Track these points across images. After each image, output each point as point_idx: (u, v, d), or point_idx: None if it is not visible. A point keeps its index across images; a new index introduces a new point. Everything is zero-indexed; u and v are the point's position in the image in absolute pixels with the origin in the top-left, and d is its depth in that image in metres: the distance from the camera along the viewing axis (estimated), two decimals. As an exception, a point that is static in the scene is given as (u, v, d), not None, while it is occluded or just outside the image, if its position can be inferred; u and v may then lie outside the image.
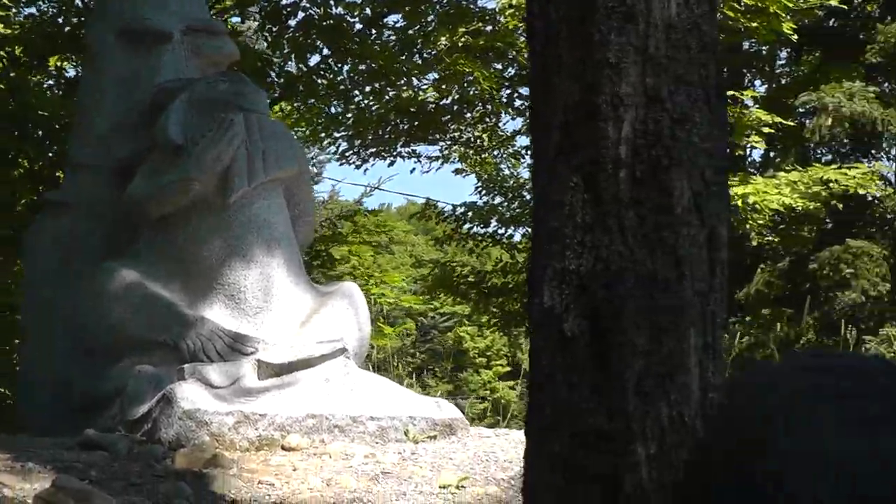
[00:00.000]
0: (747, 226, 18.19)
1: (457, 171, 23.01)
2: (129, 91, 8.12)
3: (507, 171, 23.39)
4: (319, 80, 15.94)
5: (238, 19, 17.06)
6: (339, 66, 16.29)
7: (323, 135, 20.02)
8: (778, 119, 17.64)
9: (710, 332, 3.63)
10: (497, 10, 17.79)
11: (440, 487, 5.62)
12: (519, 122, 22.26)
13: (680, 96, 3.61)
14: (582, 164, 3.59)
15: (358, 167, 21.53)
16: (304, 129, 19.79)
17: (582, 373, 3.56)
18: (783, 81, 23.24)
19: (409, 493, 5.60)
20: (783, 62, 23.48)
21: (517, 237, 23.89)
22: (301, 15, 15.72)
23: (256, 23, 17.12)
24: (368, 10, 15.85)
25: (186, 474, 5.58)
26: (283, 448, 6.31)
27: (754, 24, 16.98)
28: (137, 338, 7.07)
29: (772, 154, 22.67)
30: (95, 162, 8.03)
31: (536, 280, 3.72)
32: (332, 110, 18.04)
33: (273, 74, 15.57)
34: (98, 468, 5.55)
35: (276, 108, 18.17)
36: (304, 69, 15.97)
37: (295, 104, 18.02)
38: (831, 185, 17.60)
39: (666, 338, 3.52)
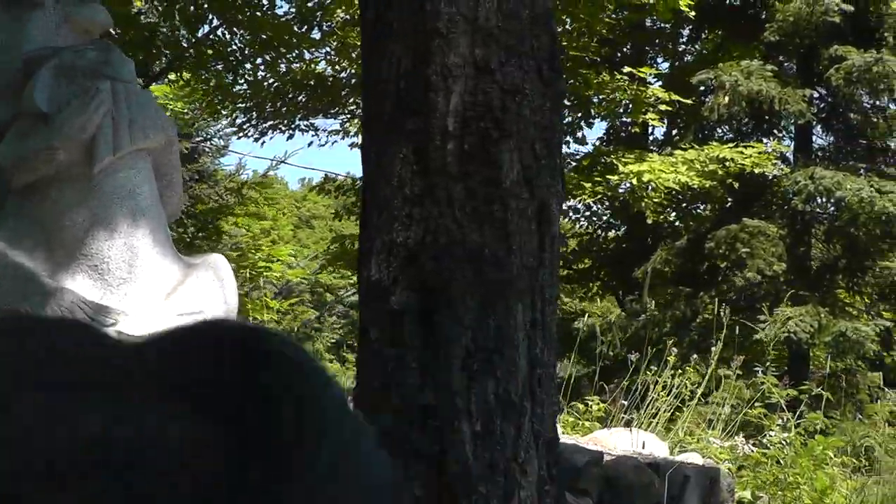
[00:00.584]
0: (643, 203, 18.31)
1: (353, 146, 22.94)
2: (2, 57, 7.96)
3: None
4: (207, 51, 15.75)
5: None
6: (230, 36, 16.13)
7: (220, 107, 19.87)
8: (676, 97, 17.76)
9: (539, 308, 3.61)
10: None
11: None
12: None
13: (511, 67, 3.58)
14: (413, 135, 3.55)
15: (256, 140, 21.43)
16: (199, 100, 19.65)
17: (409, 348, 3.52)
18: (687, 59, 23.39)
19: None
20: (685, 40, 23.61)
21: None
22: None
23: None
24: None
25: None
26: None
27: (652, 1, 17.09)
28: (1, 307, 6.94)
29: (674, 132, 22.84)
30: (-38, 128, 7.86)
31: (365, 252, 3.68)
32: (225, 82, 17.87)
33: (160, 44, 15.36)
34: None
35: (172, 78, 18.03)
36: (193, 40, 15.77)
37: (183, 76, 17.83)
38: (727, 163, 17.76)
39: (493, 313, 3.50)
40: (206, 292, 7.18)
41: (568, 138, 20.81)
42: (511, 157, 3.51)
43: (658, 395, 8.60)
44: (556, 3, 18.55)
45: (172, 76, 16.54)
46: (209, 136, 22.83)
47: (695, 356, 9.77)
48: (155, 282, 7.13)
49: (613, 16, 19.14)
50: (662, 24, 21.53)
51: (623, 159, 18.25)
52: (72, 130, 6.98)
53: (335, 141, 21.69)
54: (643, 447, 7.15)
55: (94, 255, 7.00)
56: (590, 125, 21.06)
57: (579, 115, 20.65)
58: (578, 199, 19.77)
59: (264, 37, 15.32)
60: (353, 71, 17.74)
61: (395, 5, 3.61)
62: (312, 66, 18.00)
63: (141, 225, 7.19)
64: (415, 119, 3.52)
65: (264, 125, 20.28)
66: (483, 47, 3.53)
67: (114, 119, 7.12)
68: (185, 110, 20.47)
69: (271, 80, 18.37)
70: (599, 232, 23.82)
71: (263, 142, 26.45)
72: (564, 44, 19.13)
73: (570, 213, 22.71)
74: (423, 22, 3.55)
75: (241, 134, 20.76)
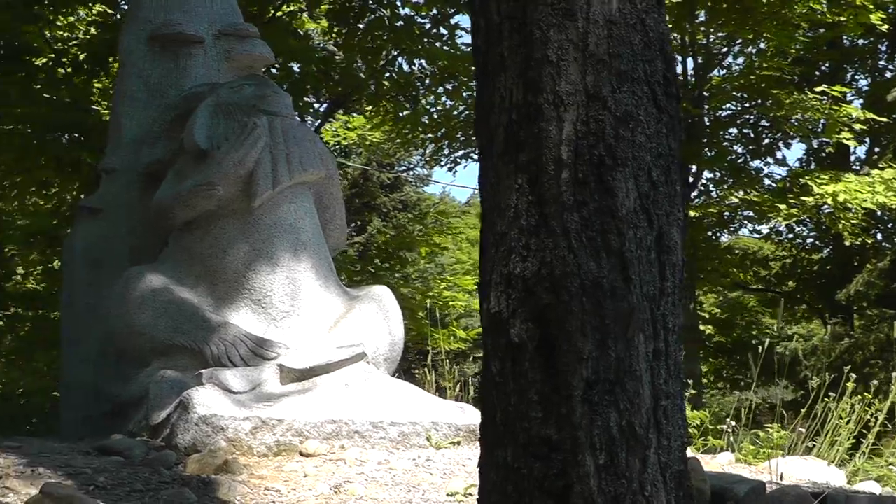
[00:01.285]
0: (840, 225, 17.89)
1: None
2: (159, 96, 8.18)
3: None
4: (383, 83, 15.92)
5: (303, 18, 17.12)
6: (410, 67, 16.32)
7: (411, 137, 20.05)
8: (871, 115, 17.30)
9: (662, 338, 3.56)
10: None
11: (447, 495, 5.58)
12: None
13: (623, 94, 3.54)
14: (526, 165, 3.54)
15: (449, 169, 21.60)
16: (389, 130, 19.86)
17: (530, 380, 3.51)
18: (887, 76, 22.73)
19: (415, 500, 5.57)
20: (884, 57, 22.93)
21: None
22: (370, 17, 15.71)
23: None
24: (435, 10, 15.76)
25: (193, 481, 5.59)
26: (300, 454, 6.30)
27: (842, 18, 16.69)
28: (162, 343, 7.09)
29: (875, 151, 22.29)
30: (126, 167, 8.10)
31: (484, 285, 3.69)
32: (405, 113, 18.05)
33: (337, 76, 15.57)
34: (107, 474, 5.58)
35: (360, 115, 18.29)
36: (375, 69, 15.96)
37: (364, 108, 18.02)
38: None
39: (613, 344, 3.46)
40: (369, 324, 7.26)
41: (768, 160, 20.57)
42: (626, 185, 3.48)
43: (840, 421, 8.37)
44: (748, 23, 18.31)
45: (368, 107, 16.77)
46: (412, 166, 23.16)
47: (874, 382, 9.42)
48: (318, 314, 7.24)
49: (809, 34, 18.79)
50: (858, 41, 20.98)
51: (818, 180, 17.86)
52: (230, 166, 7.15)
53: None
54: (819, 476, 6.98)
55: (257, 288, 7.14)
56: (787, 146, 20.70)
57: (777, 135, 20.32)
58: (773, 220, 19.45)
59: (442, 65, 15.42)
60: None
61: (505, 34, 3.60)
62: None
63: (302, 258, 7.31)
64: (528, 149, 3.50)
65: (456, 154, 20.41)
66: (594, 74, 3.50)
67: (272, 153, 7.26)
68: (382, 140, 20.75)
69: (461, 109, 18.49)
70: (803, 254, 23.32)
71: (456, 170, 26.74)
72: (756, 64, 18.92)
73: (773, 236, 22.35)
74: (533, 50, 3.53)
75: (433, 163, 20.92)
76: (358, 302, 7.45)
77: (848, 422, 8.29)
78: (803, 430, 8.16)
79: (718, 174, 21.22)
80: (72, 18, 14.67)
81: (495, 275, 3.61)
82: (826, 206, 18.35)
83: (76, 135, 13.24)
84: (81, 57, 13.80)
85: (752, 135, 21.82)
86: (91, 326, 7.77)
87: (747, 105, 20.91)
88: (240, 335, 6.93)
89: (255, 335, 6.97)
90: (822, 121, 18.62)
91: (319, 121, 17.21)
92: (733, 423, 8.58)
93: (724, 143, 21.56)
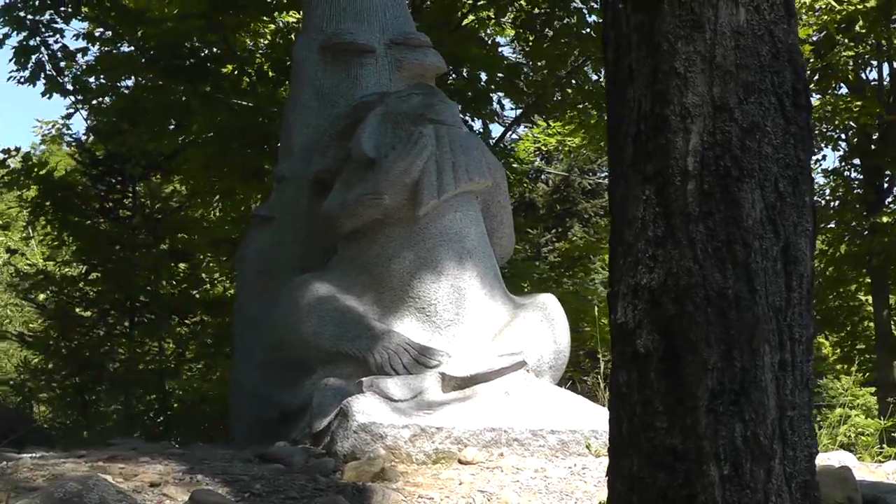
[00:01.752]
0: None
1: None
2: (330, 105, 8.41)
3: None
4: (567, 90, 16.04)
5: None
6: (596, 74, 16.40)
7: (603, 143, 20.10)
8: None
9: (788, 349, 3.63)
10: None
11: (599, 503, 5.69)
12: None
13: (750, 105, 3.63)
14: (653, 177, 3.64)
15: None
16: (585, 138, 19.95)
17: (655, 390, 3.62)
18: None
19: (565, 508, 5.70)
20: None
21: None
22: (557, 24, 15.82)
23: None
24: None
25: (347, 488, 5.78)
26: (459, 461, 6.45)
27: None
28: (328, 350, 7.31)
29: None
30: (297, 175, 8.36)
31: (612, 295, 3.81)
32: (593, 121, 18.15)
33: (522, 84, 15.75)
34: (264, 481, 5.81)
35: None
36: (560, 77, 16.08)
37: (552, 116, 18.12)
38: None
39: (738, 354, 3.55)
40: (533, 332, 7.39)
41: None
42: (752, 195, 3.55)
43: None
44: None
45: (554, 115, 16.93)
46: None
47: None
48: (482, 323, 7.39)
49: None
50: None
51: None
52: (396, 175, 7.34)
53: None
54: None
55: (422, 297, 7.32)
56: None
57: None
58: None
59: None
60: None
61: (634, 46, 3.72)
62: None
63: (468, 267, 7.47)
64: (655, 160, 3.61)
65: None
66: (721, 85, 3.59)
67: (437, 162, 7.42)
68: (580, 146, 20.85)
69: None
70: None
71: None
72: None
73: None
74: (660, 62, 3.64)
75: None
76: (522, 310, 7.58)
77: None
78: None
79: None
80: (260, 26, 15.09)
81: (622, 285, 3.73)
82: None
83: (262, 144, 13.65)
84: (266, 66, 14.22)
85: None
86: (260, 333, 8.03)
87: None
88: (403, 343, 7.12)
89: (418, 343, 7.16)
90: None
91: (505, 128, 17.39)
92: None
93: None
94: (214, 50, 14.28)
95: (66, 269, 15.76)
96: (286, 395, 7.54)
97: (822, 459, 6.82)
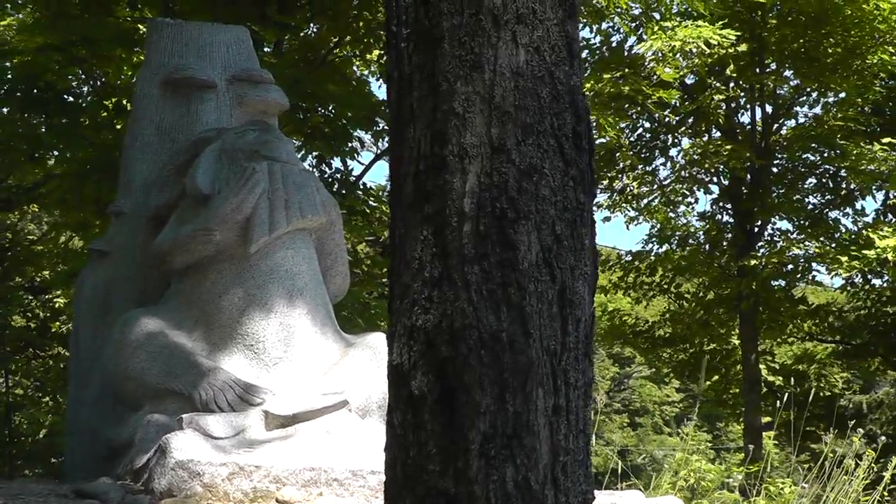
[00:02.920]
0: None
1: (630, 220, 22.86)
2: (171, 140, 8.25)
3: (681, 220, 23.14)
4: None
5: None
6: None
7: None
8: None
9: (563, 393, 3.54)
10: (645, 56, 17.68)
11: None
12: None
13: (528, 147, 3.55)
14: (432, 217, 3.55)
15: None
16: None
17: (429, 432, 3.51)
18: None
19: (380, 549, 5.56)
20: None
21: (685, 286, 23.84)
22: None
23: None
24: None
25: (157, 527, 5.64)
26: (276, 501, 6.30)
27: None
28: (154, 386, 7.13)
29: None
30: (136, 210, 8.18)
31: (390, 336, 3.70)
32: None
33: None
34: (74, 519, 5.66)
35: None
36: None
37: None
38: None
39: (511, 398, 3.46)
40: (361, 372, 7.27)
41: (848, 210, 20.53)
42: (529, 238, 3.48)
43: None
44: (816, 73, 18.32)
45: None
46: None
47: None
48: (310, 361, 7.27)
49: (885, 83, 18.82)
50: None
51: (880, 233, 17.78)
52: (227, 212, 7.21)
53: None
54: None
55: (250, 334, 7.19)
56: (863, 196, 20.65)
57: (852, 187, 20.29)
58: (833, 273, 19.36)
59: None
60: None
61: (415, 85, 3.63)
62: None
63: (298, 304, 7.34)
64: (434, 201, 3.52)
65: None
66: (499, 126, 3.52)
67: (270, 199, 7.31)
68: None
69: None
70: (879, 306, 23.08)
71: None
72: (827, 114, 18.91)
73: (849, 287, 22.21)
74: (440, 102, 3.55)
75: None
76: (352, 349, 7.47)
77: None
78: (805, 486, 8.06)
79: (791, 224, 21.27)
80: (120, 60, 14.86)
81: (399, 326, 3.63)
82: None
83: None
84: (125, 101, 14.01)
85: (830, 184, 21.75)
86: (93, 369, 7.85)
87: (817, 156, 20.91)
88: (228, 381, 6.97)
89: (244, 381, 7.01)
90: (885, 171, 18.55)
91: (365, 166, 17.27)
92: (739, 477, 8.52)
93: (796, 196, 21.54)
94: (74, 83, 14.00)
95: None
96: (114, 430, 7.36)
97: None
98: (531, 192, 3.52)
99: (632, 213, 22.86)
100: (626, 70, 18.62)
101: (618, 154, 20.90)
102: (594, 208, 3.84)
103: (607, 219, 23.35)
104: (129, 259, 8.12)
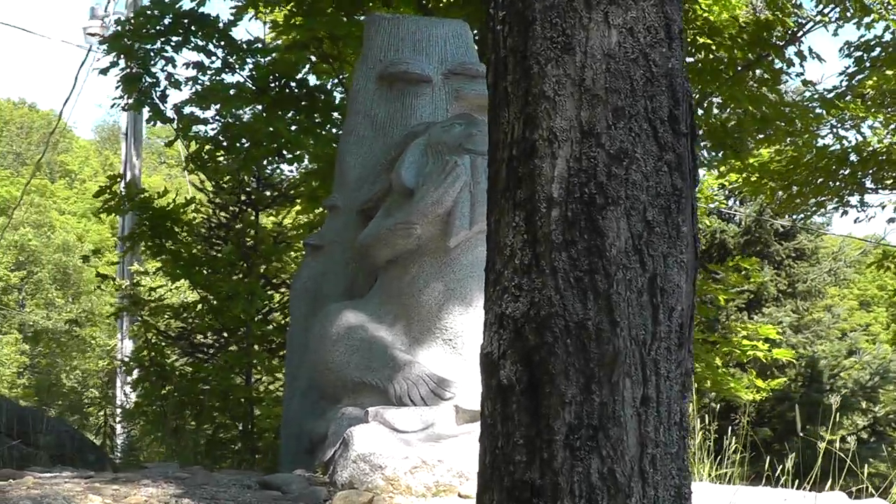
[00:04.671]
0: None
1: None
2: (384, 135, 8.43)
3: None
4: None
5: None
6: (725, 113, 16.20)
7: (760, 185, 19.78)
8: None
9: (653, 384, 3.53)
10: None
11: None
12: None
13: (619, 131, 3.54)
14: (523, 203, 3.59)
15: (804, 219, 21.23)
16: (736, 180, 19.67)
17: (517, 422, 3.55)
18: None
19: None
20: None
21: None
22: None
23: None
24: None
25: (327, 518, 5.80)
26: (459, 495, 6.37)
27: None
28: (352, 380, 7.31)
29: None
30: (349, 205, 8.39)
31: (484, 325, 3.75)
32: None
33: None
34: (246, 508, 5.87)
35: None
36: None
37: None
38: None
39: (597, 388, 3.46)
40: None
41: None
42: (617, 224, 3.47)
43: None
44: None
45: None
46: (808, 214, 22.95)
47: None
48: (509, 356, 7.29)
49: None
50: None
51: None
52: (428, 205, 7.33)
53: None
54: None
55: (449, 328, 7.29)
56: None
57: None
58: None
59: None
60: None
61: (510, 69, 3.67)
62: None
63: (496, 299, 7.38)
64: (524, 187, 3.56)
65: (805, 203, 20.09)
66: (589, 109, 3.52)
67: (472, 193, 7.39)
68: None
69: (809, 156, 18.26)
70: None
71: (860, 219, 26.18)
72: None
73: None
74: (531, 85, 3.58)
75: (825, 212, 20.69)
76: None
77: None
78: None
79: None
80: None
81: (490, 314, 3.68)
82: None
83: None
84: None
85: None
86: (303, 362, 8.10)
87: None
88: (423, 375, 7.10)
89: (437, 375, 7.12)
90: None
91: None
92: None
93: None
94: (323, 81, 14.44)
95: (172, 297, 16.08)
96: (315, 423, 7.58)
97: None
98: (621, 177, 3.51)
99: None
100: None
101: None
102: (697, 195, 3.80)
103: (893, 220, 22.19)
104: (340, 253, 8.33)
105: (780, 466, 8.15)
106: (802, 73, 17.35)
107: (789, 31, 15.47)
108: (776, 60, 15.70)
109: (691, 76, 15.46)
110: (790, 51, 16.12)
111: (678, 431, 3.59)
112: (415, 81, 8.51)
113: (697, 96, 15.78)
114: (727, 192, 24.43)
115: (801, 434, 8.45)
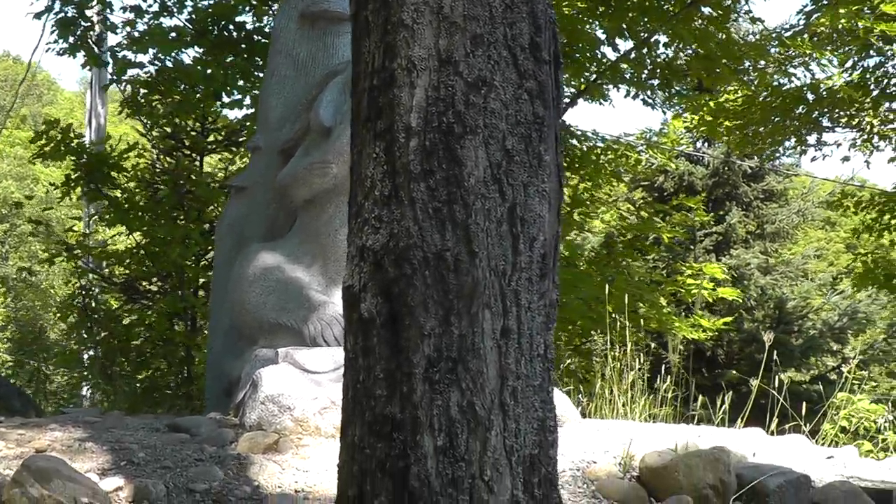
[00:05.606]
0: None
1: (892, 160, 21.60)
2: (305, 74, 8.33)
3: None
4: (622, 65, 15.70)
5: None
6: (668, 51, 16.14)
7: (716, 126, 19.69)
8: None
9: (514, 315, 3.49)
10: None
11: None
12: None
13: (477, 58, 3.49)
14: (383, 134, 3.54)
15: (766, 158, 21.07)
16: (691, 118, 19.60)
17: (377, 356, 3.51)
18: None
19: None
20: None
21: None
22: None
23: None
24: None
25: (228, 459, 5.73)
26: (371, 437, 6.32)
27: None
28: (268, 321, 7.23)
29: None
30: (270, 145, 8.29)
31: (346, 258, 3.70)
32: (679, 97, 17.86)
33: (585, 59, 15.47)
34: (150, 450, 5.77)
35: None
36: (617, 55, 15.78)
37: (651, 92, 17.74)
38: None
39: (456, 320, 3.42)
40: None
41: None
42: (476, 153, 3.42)
43: None
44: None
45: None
46: (778, 156, 22.80)
47: None
48: (426, 295, 7.25)
49: None
50: None
51: None
52: (344, 144, 7.23)
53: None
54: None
55: (366, 268, 7.20)
56: None
57: None
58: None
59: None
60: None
61: (371, -1, 3.60)
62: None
63: (420, 238, 7.33)
64: (384, 117, 3.50)
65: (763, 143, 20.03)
66: (447, 37, 3.46)
67: (390, 133, 7.28)
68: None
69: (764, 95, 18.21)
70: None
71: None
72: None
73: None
74: (391, 14, 3.52)
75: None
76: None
77: None
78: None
79: None
80: None
81: (352, 247, 3.63)
82: None
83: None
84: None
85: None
86: (225, 303, 8.04)
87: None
88: (337, 315, 7.04)
89: (349, 314, 7.05)
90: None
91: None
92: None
93: None
94: (264, 23, 14.32)
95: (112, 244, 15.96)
96: (232, 365, 7.53)
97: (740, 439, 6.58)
98: (479, 106, 3.46)
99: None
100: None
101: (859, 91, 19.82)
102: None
103: (846, 158, 22.04)
104: (262, 194, 8.25)
105: (720, 405, 8.17)
106: (751, 12, 16.76)
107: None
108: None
109: (634, 14, 15.39)
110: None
111: (542, 363, 3.56)
112: (336, 20, 8.41)
113: (644, 35, 15.68)
114: (693, 135, 24.29)
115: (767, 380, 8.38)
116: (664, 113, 19.28)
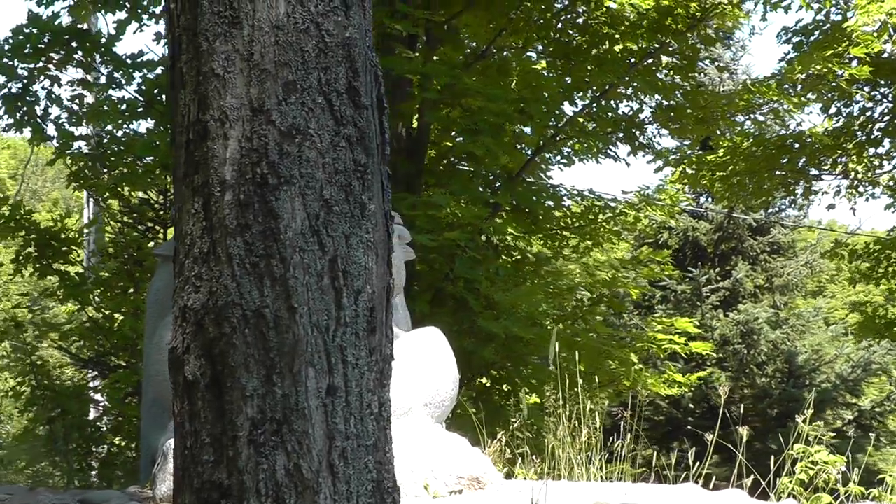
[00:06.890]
0: None
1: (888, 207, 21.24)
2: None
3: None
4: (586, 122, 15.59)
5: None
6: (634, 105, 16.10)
7: (699, 177, 19.61)
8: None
9: (340, 373, 3.33)
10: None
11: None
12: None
13: (290, 106, 3.35)
14: (200, 188, 3.39)
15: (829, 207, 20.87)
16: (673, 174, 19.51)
17: (203, 420, 3.35)
18: None
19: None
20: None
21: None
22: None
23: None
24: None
25: (143, 535, 5.60)
26: (282, 503, 6.15)
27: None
28: (185, 392, 7.07)
29: None
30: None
31: (172, 321, 3.55)
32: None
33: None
34: (65, 527, 5.67)
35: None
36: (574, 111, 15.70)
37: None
38: None
39: (279, 380, 3.27)
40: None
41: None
42: (292, 205, 3.27)
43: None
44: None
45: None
46: (783, 208, 22.66)
47: None
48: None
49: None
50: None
51: None
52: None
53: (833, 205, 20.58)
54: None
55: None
56: None
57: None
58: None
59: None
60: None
61: (184, 49, 3.47)
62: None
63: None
64: (201, 171, 3.36)
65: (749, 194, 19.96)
66: (258, 85, 3.32)
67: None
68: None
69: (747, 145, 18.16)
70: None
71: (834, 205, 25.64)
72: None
73: None
74: (202, 64, 3.39)
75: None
76: (411, 341, 7.29)
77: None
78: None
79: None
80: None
81: (175, 308, 3.48)
82: None
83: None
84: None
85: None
86: (149, 374, 7.90)
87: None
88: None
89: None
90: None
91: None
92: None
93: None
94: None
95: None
96: (155, 436, 7.36)
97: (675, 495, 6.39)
98: (294, 155, 3.32)
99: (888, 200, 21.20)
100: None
101: (842, 138, 19.59)
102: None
103: (832, 206, 21.78)
104: (185, 263, 8.08)
105: (693, 461, 7.97)
106: (717, 60, 16.62)
107: (691, 16, 15.25)
108: (685, 48, 15.53)
109: (593, 67, 15.29)
110: (695, 36, 15.97)
111: (375, 422, 3.40)
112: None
113: (607, 88, 15.54)
114: (695, 191, 24.17)
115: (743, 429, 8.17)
116: (628, 165, 19.21)
